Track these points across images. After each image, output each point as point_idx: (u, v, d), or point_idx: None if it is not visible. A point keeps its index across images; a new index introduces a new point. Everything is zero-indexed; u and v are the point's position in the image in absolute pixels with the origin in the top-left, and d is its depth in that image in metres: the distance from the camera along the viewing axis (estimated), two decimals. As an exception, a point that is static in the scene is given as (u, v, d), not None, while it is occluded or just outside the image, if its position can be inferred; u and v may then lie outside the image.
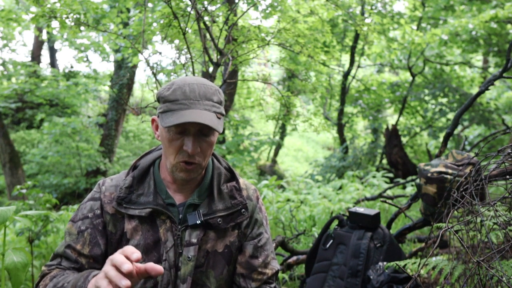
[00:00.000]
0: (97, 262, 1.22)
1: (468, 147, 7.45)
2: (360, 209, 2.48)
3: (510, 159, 1.61)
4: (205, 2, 3.20)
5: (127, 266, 0.85)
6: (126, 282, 0.85)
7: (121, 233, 1.23)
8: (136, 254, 0.88)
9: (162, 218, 1.22)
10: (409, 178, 5.84)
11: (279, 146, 13.02)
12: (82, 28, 2.93)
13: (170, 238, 1.21)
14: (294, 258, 3.03)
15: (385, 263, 2.22)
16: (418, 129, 10.15)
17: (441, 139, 6.89)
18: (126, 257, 0.89)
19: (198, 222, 1.22)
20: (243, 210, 1.30)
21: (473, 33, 8.09)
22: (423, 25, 9.91)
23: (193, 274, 1.22)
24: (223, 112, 1.20)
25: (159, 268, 0.90)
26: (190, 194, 1.28)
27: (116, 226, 1.23)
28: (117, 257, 0.88)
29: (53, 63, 14.18)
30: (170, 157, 1.19)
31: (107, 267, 0.89)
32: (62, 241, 1.27)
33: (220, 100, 1.20)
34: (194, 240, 1.22)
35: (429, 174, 2.35)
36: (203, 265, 1.24)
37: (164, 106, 1.16)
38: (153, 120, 1.26)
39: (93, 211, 1.25)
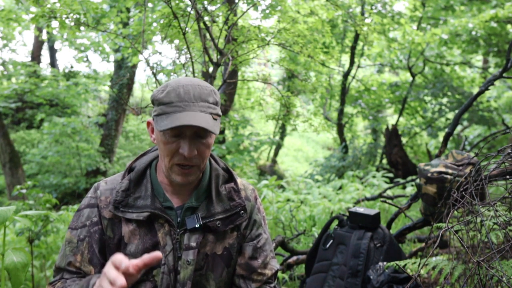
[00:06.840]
0: (99, 271, 1.21)
1: (468, 147, 7.44)
2: (360, 209, 2.48)
3: (510, 159, 1.61)
4: (205, 2, 3.20)
5: (120, 282, 0.91)
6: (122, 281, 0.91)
7: (119, 237, 1.22)
8: (124, 263, 0.94)
9: (160, 221, 1.21)
10: (409, 178, 5.83)
11: (279, 146, 13.01)
12: (82, 28, 2.93)
13: (169, 242, 1.20)
14: (294, 258, 3.04)
15: (385, 263, 2.22)
16: (418, 129, 10.15)
17: (441, 139, 6.90)
18: (117, 267, 0.93)
19: (197, 225, 1.21)
20: (242, 212, 1.28)
21: (473, 33, 8.09)
22: (423, 25, 9.90)
23: (193, 277, 1.21)
24: (219, 112, 1.18)
25: (156, 254, 0.92)
26: (188, 196, 1.26)
27: (114, 231, 1.22)
28: (110, 271, 0.94)
29: (53, 63, 14.17)
30: (166, 159, 1.17)
31: (107, 268, 0.94)
32: (61, 251, 1.25)
33: (215, 100, 1.17)
34: (193, 244, 1.21)
35: (429, 174, 2.35)
36: (202, 268, 1.23)
37: (159, 109, 1.13)
38: (148, 123, 1.24)
39: (91, 218, 1.23)
